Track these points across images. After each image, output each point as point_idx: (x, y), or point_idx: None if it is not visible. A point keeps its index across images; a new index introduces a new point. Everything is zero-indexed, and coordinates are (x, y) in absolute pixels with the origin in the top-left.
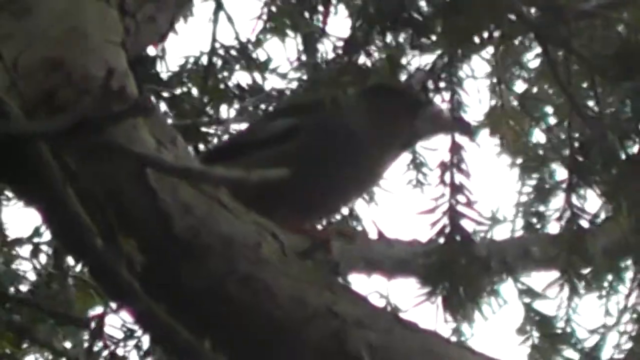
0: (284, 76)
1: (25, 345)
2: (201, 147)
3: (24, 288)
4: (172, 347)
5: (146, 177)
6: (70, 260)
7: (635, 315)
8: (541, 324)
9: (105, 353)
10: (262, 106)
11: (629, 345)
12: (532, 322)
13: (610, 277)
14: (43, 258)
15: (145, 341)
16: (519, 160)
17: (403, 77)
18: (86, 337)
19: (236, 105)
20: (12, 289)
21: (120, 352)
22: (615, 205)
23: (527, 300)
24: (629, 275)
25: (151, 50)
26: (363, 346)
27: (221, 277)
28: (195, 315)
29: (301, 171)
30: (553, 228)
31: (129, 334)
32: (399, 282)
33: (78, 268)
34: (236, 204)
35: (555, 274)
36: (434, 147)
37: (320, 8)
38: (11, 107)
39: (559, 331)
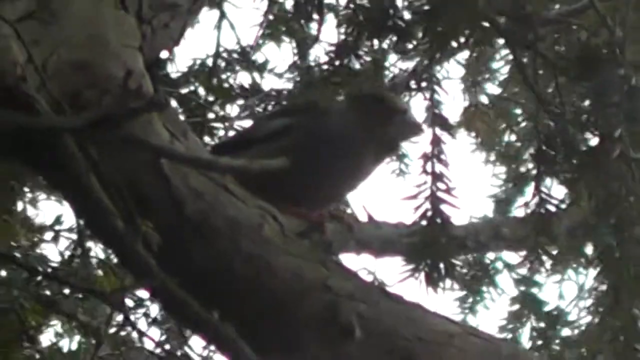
0: (280, 76)
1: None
2: (207, 140)
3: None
4: (184, 318)
5: (161, 166)
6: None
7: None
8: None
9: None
10: (263, 104)
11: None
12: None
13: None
14: (64, 243)
15: (153, 310)
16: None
17: (387, 77)
18: (107, 310)
19: (239, 102)
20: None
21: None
22: (576, 192)
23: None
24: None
25: (162, 54)
26: (354, 316)
27: (228, 255)
28: (204, 290)
29: (295, 165)
30: (520, 212)
31: (139, 303)
32: (386, 260)
33: (99, 250)
34: (241, 190)
35: (523, 252)
36: (415, 141)
37: (315, 16)
38: (41, 104)
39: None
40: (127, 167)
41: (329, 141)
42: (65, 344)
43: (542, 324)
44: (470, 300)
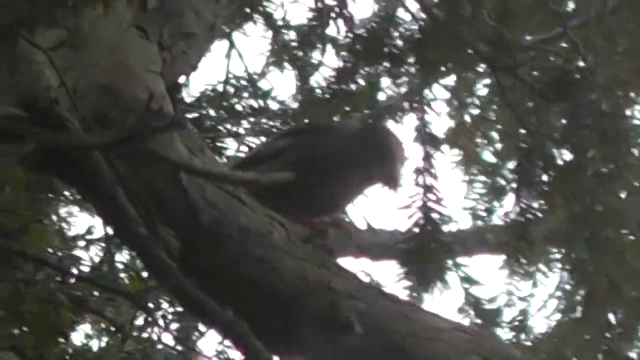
0: (281, 103)
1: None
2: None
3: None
4: (201, 315)
5: (180, 179)
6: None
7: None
8: (476, 305)
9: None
10: (270, 122)
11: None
12: (469, 303)
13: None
14: (94, 250)
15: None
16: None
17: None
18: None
19: (248, 122)
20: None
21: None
22: (552, 202)
23: (466, 286)
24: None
25: (181, 78)
26: (354, 314)
27: (240, 259)
28: (218, 290)
29: (297, 179)
30: (498, 220)
31: (158, 305)
32: (382, 263)
33: (125, 256)
34: (252, 200)
35: (503, 256)
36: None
37: (318, 45)
38: (73, 123)
39: (491, 310)
40: (150, 180)
41: (323, 158)
42: (95, 345)
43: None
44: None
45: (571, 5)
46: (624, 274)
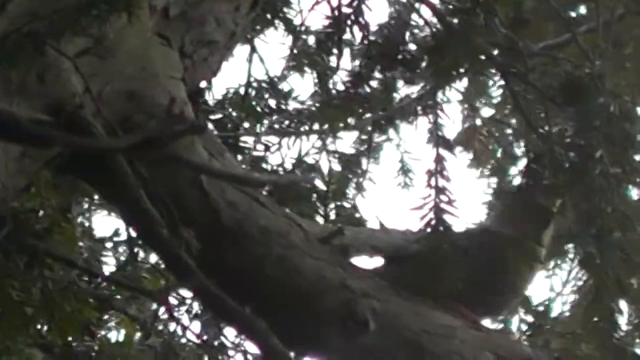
0: (302, 103)
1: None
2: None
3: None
4: (220, 312)
5: (201, 181)
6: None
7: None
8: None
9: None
10: (286, 122)
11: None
12: None
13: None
14: (121, 250)
15: (195, 306)
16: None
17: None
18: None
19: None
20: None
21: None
22: (561, 203)
23: None
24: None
25: (202, 84)
26: (368, 311)
27: (260, 258)
28: (238, 288)
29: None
30: None
31: (182, 301)
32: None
33: (148, 257)
34: (271, 201)
35: None
36: (419, 158)
37: (335, 51)
38: (97, 128)
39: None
40: (172, 182)
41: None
42: (114, 337)
43: (530, 317)
44: None
45: (582, 11)
46: (628, 270)
